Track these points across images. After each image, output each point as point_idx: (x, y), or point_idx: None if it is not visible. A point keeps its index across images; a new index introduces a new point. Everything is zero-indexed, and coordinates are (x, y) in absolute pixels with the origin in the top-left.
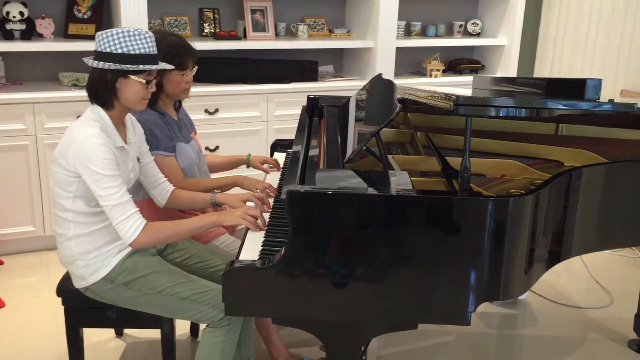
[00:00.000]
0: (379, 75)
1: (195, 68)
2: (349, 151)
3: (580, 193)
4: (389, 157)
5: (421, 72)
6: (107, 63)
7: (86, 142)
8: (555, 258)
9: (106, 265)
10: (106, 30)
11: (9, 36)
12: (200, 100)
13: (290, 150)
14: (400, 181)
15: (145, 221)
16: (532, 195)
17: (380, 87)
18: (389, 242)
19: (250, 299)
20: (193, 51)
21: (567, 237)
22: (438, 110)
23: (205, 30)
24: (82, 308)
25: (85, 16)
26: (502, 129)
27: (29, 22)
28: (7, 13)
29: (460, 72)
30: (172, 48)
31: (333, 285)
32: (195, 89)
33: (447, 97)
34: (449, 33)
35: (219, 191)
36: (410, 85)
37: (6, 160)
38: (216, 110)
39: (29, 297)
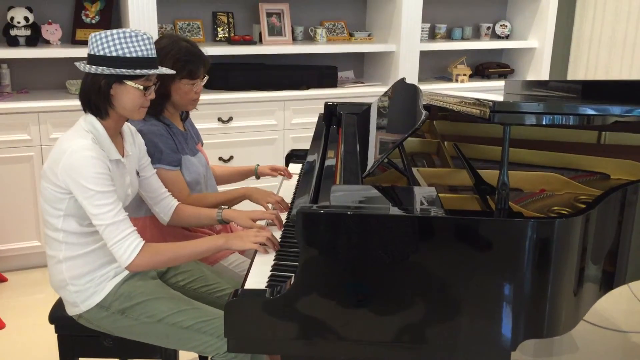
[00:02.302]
0: (402, 79)
1: (206, 78)
2: (369, 164)
3: (637, 210)
4: (414, 169)
5: (446, 77)
6: (101, 67)
7: (76, 155)
8: (607, 285)
9: (100, 291)
10: (100, 32)
11: (13, 42)
12: (214, 108)
13: (305, 161)
14: (427, 199)
15: (144, 242)
16: (583, 215)
17: (403, 92)
18: (414, 271)
19: (256, 334)
20: (206, 59)
21: (621, 261)
22: (466, 118)
23: (219, 35)
24: (76, 336)
25: (94, 21)
26: (536, 137)
27: (35, 28)
28: (12, 18)
29: (488, 77)
30: (183, 54)
31: (350, 319)
32: (208, 97)
33: (481, 103)
34: (476, 36)
35: (226, 207)
36: (435, 91)
37: (10, 172)
38: (230, 119)
39: (32, 318)
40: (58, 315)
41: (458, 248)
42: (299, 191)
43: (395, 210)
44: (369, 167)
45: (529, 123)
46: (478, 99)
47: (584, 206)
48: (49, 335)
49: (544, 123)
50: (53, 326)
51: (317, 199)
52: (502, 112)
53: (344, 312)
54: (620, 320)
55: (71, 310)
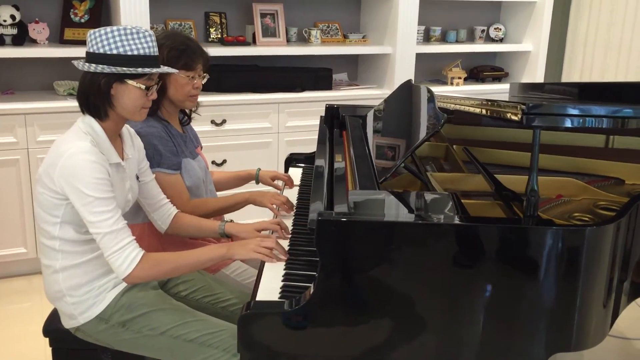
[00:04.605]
0: (409, 81)
1: (206, 76)
2: (382, 168)
3: None
4: (427, 174)
5: (441, 80)
6: (100, 66)
7: (75, 159)
8: (635, 294)
9: (99, 302)
10: (99, 29)
11: None
12: (207, 110)
13: (304, 165)
14: (449, 206)
15: (143, 252)
16: (615, 223)
17: (414, 94)
18: (439, 281)
19: (274, 347)
20: (203, 53)
21: None
22: (473, 121)
23: (211, 36)
24: (72, 350)
25: (83, 20)
26: (544, 141)
27: (21, 27)
28: None
29: (482, 80)
30: (178, 45)
31: (375, 332)
32: (201, 99)
33: (511, 105)
34: (470, 39)
35: (229, 220)
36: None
37: None
38: (223, 122)
39: (19, 328)
40: (53, 328)
41: (488, 257)
42: (312, 197)
43: (418, 218)
44: (379, 171)
45: (564, 126)
46: (504, 101)
47: (605, 212)
48: (39, 346)
49: (577, 126)
50: (47, 340)
51: (332, 204)
52: (537, 114)
53: (368, 322)
54: (623, 327)
55: (68, 323)
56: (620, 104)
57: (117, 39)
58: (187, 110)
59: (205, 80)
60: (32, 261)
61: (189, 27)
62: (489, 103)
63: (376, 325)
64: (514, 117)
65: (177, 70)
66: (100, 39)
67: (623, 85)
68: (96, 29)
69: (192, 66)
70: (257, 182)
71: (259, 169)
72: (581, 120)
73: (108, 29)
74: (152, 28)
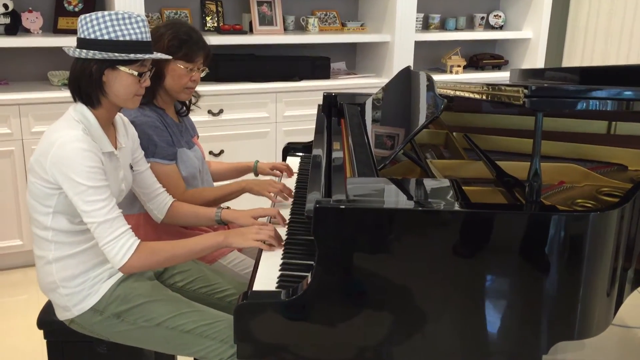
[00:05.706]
0: (408, 68)
1: (205, 70)
2: (381, 156)
3: None
4: (427, 161)
5: (440, 69)
6: (92, 51)
7: (67, 147)
8: (638, 282)
9: (94, 293)
10: (90, 14)
11: None
12: (203, 100)
13: (302, 154)
14: (450, 192)
15: (139, 241)
16: (620, 208)
17: (413, 81)
18: (439, 269)
19: (271, 338)
20: (205, 47)
21: None
22: (473, 107)
23: (207, 24)
24: (67, 342)
25: (77, 9)
26: (546, 128)
27: (15, 16)
28: None
29: (482, 68)
30: (182, 34)
31: (373, 323)
32: (198, 88)
33: (513, 88)
34: (470, 26)
35: (226, 206)
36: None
37: None
38: (220, 111)
39: (15, 321)
40: (47, 320)
41: (491, 244)
42: (310, 186)
43: (418, 205)
44: (375, 159)
45: (567, 109)
46: (506, 85)
47: (608, 198)
48: (35, 340)
49: (580, 108)
50: (41, 332)
51: (330, 193)
52: (541, 97)
53: (367, 313)
54: (625, 315)
55: (62, 315)
56: (623, 87)
57: (109, 24)
58: (186, 101)
59: (204, 73)
60: (28, 253)
61: (184, 16)
62: (491, 88)
63: (374, 316)
64: (516, 101)
65: (170, 57)
66: (91, 24)
67: (625, 69)
68: (87, 14)
69: (192, 58)
70: (256, 174)
71: (257, 161)
72: (584, 103)
73: (99, 14)
74: (146, 17)
